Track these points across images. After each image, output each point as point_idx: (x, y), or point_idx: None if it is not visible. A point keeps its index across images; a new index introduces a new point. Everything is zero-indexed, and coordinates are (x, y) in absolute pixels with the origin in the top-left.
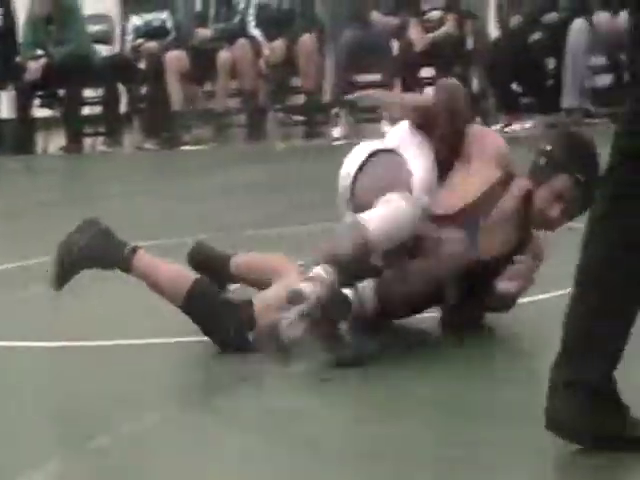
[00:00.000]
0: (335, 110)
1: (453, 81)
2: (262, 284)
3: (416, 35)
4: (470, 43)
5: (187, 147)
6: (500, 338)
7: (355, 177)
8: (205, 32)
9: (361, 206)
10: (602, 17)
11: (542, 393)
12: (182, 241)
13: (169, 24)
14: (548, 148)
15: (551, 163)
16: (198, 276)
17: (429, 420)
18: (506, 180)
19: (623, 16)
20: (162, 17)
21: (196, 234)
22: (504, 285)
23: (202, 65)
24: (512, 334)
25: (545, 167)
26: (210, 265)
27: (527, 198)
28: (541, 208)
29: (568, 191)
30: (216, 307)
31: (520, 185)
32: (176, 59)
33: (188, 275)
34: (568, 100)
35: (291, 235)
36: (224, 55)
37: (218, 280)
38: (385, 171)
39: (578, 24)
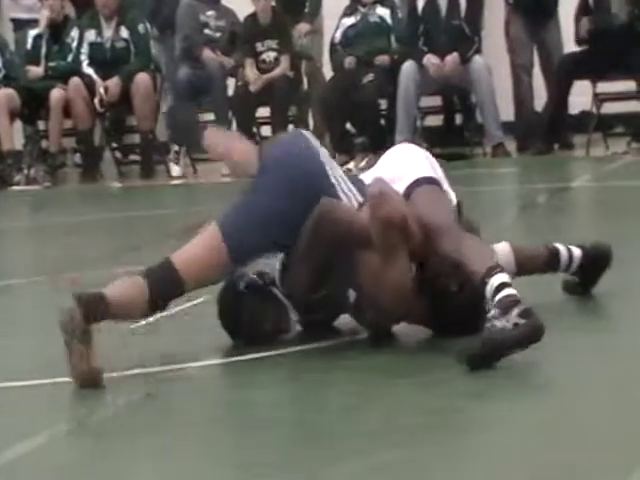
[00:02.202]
0: (175, 149)
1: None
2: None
3: (251, 75)
4: (305, 84)
5: (19, 187)
6: None
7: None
8: (37, 70)
9: None
10: (431, 60)
11: None
12: (6, 284)
13: None
14: None
15: None
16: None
17: None
18: None
19: (450, 59)
20: None
21: (22, 277)
22: None
23: (34, 104)
24: None
25: None
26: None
27: None
28: None
29: None
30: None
31: None
32: (6, 97)
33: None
34: (400, 140)
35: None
36: (57, 94)
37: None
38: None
39: (408, 66)
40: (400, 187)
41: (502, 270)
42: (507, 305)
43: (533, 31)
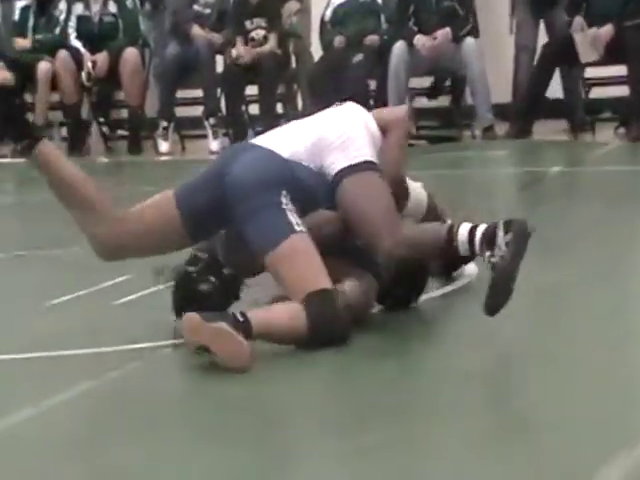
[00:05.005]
0: (164, 124)
1: None
2: None
3: (241, 49)
4: (294, 63)
5: (5, 160)
6: None
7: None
8: (24, 43)
9: None
10: (422, 40)
11: None
12: None
13: None
14: None
15: None
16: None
17: None
18: None
19: (441, 34)
20: None
21: (4, 252)
22: None
23: (21, 76)
24: None
25: None
26: None
27: None
28: None
29: None
30: None
31: None
32: None
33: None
34: None
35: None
36: (44, 67)
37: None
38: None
39: (399, 46)
40: (337, 159)
41: (459, 223)
42: (488, 239)
43: (539, 13)
